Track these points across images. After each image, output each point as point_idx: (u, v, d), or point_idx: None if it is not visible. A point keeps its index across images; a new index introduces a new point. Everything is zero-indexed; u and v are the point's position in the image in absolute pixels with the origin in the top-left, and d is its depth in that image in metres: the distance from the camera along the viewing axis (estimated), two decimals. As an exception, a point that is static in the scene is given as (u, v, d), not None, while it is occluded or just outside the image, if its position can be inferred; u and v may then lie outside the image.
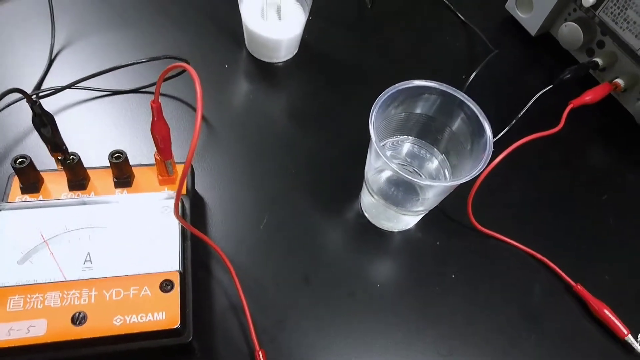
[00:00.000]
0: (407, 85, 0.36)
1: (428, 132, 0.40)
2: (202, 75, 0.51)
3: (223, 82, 0.51)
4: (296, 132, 0.49)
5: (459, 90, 0.36)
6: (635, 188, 0.51)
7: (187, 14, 0.55)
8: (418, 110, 0.38)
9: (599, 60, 0.53)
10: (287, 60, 0.54)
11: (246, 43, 0.53)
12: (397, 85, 0.36)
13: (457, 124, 0.37)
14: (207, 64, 0.52)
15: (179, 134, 0.47)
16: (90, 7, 0.55)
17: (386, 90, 0.36)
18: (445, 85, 0.36)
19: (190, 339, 0.34)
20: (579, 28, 0.53)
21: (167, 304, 0.33)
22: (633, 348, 0.41)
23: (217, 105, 0.50)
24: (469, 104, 0.35)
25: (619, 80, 0.52)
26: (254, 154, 0.47)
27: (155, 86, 0.33)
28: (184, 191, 0.40)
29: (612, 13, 0.50)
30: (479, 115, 0.35)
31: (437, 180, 0.41)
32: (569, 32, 0.54)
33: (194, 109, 0.49)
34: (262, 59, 0.53)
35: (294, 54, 0.54)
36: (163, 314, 0.33)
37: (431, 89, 0.36)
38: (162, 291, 0.34)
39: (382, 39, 0.58)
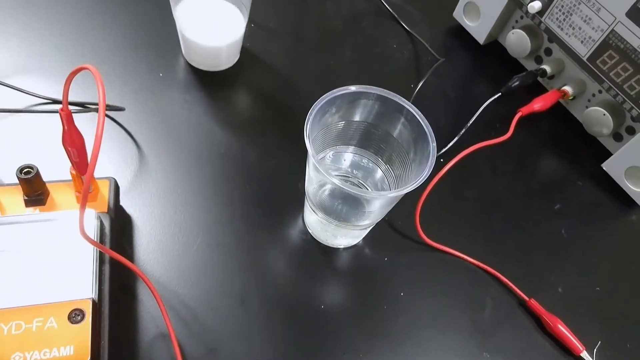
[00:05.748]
0: (343, 92, 0.34)
1: (370, 140, 0.38)
2: (134, 85, 0.49)
3: (156, 92, 0.48)
4: (234, 144, 0.46)
5: (397, 95, 0.33)
6: (586, 197, 0.49)
7: (116, 21, 0.52)
8: (357, 118, 0.36)
9: (546, 67, 0.52)
10: (226, 70, 0.51)
11: (183, 51, 0.50)
12: (332, 92, 0.34)
13: (398, 129, 0.35)
14: (139, 72, 0.49)
15: (107, 148, 0.43)
16: (9, 13, 0.50)
17: (321, 98, 0.33)
18: (382, 89, 0.34)
19: (104, 375, 0.30)
20: (526, 35, 0.52)
21: (76, 337, 0.30)
22: (589, 364, 0.40)
23: (149, 117, 0.46)
24: (408, 107, 0.33)
25: (567, 88, 0.51)
26: (188, 169, 0.44)
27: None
28: (104, 208, 0.37)
29: (557, 19, 0.49)
30: (419, 119, 0.32)
31: (382, 191, 0.38)
32: (517, 39, 0.53)
33: (117, 123, 0.45)
34: (200, 68, 0.50)
35: (234, 62, 0.51)
36: (71, 348, 0.29)
37: (368, 94, 0.34)
38: (71, 322, 0.30)
39: (326, 50, 0.55)
